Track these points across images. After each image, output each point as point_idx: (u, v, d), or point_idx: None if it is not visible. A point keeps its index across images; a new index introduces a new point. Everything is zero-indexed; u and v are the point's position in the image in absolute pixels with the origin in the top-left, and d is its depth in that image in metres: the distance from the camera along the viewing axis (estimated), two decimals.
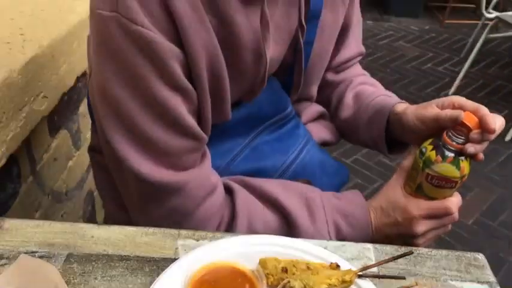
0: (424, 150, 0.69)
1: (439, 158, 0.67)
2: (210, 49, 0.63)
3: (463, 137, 0.67)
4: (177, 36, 0.60)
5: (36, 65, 0.86)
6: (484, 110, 0.68)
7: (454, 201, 0.71)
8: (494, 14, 2.71)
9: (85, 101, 1.24)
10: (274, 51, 0.72)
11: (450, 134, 0.67)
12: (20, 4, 1.00)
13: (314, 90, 0.87)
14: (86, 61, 1.08)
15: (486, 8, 2.87)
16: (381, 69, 3.29)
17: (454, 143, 0.67)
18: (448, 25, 3.93)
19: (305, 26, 0.72)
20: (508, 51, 3.55)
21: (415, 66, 3.34)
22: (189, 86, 0.64)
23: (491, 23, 2.76)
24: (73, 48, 1.01)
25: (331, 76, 0.92)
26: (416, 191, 0.72)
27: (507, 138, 2.53)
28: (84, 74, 1.16)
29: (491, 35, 3.00)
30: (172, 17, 0.59)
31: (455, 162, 0.67)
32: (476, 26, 3.31)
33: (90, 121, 1.27)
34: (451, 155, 0.67)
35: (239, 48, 0.67)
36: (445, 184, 0.69)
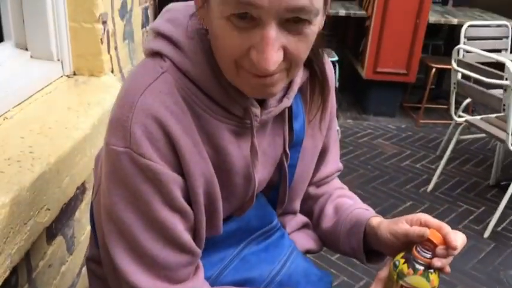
0: (397, 263, 0.77)
1: (411, 270, 0.75)
2: (207, 176, 0.73)
3: (430, 252, 0.75)
4: (179, 166, 0.70)
5: (43, 180, 0.94)
6: (446, 228, 0.77)
7: None
8: (463, 118, 2.91)
9: (81, 206, 1.31)
10: (261, 173, 0.82)
11: (419, 249, 0.76)
12: (29, 123, 1.10)
13: (297, 205, 0.95)
14: (86, 172, 1.17)
15: (457, 108, 3.08)
16: (362, 165, 3.43)
17: (423, 257, 0.75)
18: (423, 124, 4.16)
19: (289, 152, 0.82)
20: (480, 149, 3.75)
21: (394, 163, 3.49)
22: (188, 208, 0.72)
23: (462, 124, 2.95)
24: (76, 161, 1.10)
25: (312, 190, 1.01)
26: None
27: (486, 235, 2.61)
28: (82, 183, 1.24)
29: (463, 136, 3.20)
30: (176, 151, 0.69)
31: (425, 275, 0.75)
32: (450, 125, 3.52)
33: (84, 226, 1.33)
34: (421, 268, 0.75)
35: (231, 173, 0.77)
36: None
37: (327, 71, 0.83)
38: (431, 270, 0.75)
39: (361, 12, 4.15)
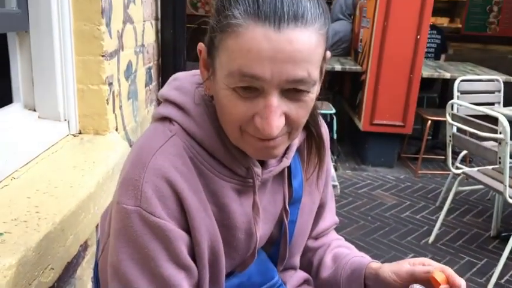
0: None
1: None
2: (211, 232, 0.76)
3: None
4: (186, 223, 0.74)
5: (48, 240, 0.95)
6: (450, 270, 0.80)
7: None
8: (461, 170, 2.94)
9: (83, 264, 1.31)
10: (262, 229, 0.85)
11: None
12: (36, 182, 1.13)
13: (297, 261, 0.97)
14: (89, 230, 1.19)
15: (455, 159, 3.10)
16: (362, 217, 3.42)
17: None
18: (422, 175, 4.20)
19: (288, 209, 0.86)
20: (479, 200, 3.76)
21: (394, 214, 3.49)
22: (192, 264, 0.75)
23: (460, 175, 2.98)
24: (80, 219, 1.12)
25: (311, 243, 1.04)
26: None
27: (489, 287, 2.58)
28: (85, 241, 1.25)
29: (461, 188, 3.22)
30: (184, 209, 0.73)
31: None
32: (448, 175, 3.55)
33: (85, 284, 1.33)
34: None
35: (234, 229, 0.80)
36: None
37: (323, 132, 0.88)
38: None
39: (357, 67, 4.28)
